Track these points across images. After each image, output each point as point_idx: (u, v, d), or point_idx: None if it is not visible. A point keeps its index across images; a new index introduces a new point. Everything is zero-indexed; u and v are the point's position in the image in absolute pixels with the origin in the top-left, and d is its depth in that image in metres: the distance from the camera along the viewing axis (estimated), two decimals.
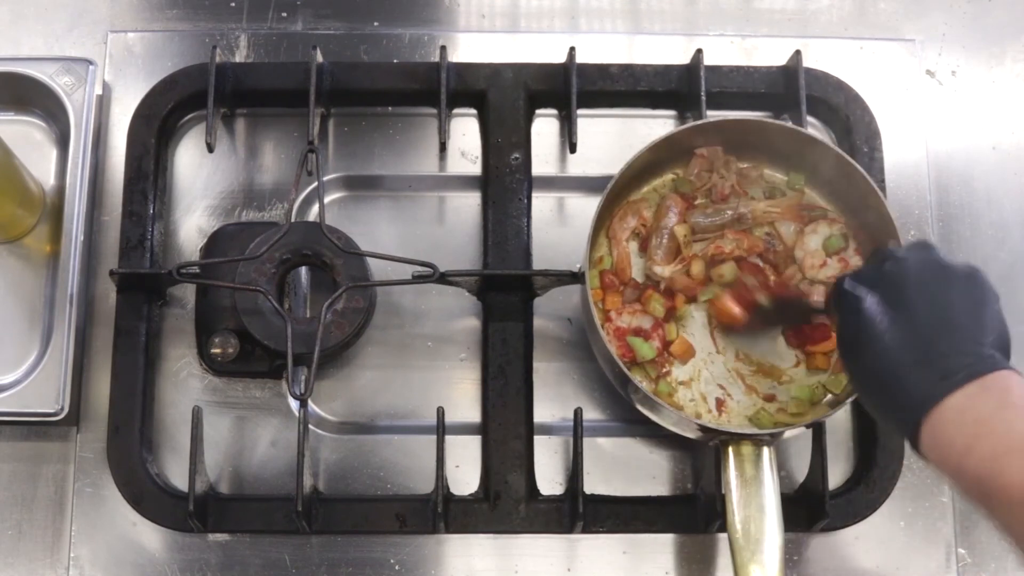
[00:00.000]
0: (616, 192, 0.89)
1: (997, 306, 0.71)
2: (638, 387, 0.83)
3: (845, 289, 0.74)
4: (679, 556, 0.92)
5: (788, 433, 0.85)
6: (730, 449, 0.83)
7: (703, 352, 0.90)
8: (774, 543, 0.81)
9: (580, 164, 1.00)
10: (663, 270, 0.90)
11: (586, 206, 0.99)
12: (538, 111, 1.01)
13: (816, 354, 0.89)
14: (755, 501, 0.82)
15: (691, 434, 0.87)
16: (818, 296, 0.88)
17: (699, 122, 0.90)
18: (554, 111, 1.02)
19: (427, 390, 0.95)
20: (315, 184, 0.95)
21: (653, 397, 0.84)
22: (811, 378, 0.89)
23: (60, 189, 0.96)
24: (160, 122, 0.98)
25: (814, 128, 1.01)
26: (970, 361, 0.67)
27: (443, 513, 0.88)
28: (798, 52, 0.99)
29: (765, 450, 0.83)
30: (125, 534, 0.91)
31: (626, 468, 0.93)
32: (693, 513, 0.90)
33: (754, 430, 0.86)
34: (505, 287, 0.95)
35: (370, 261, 0.92)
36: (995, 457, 0.63)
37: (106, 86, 1.01)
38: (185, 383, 0.95)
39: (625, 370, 0.83)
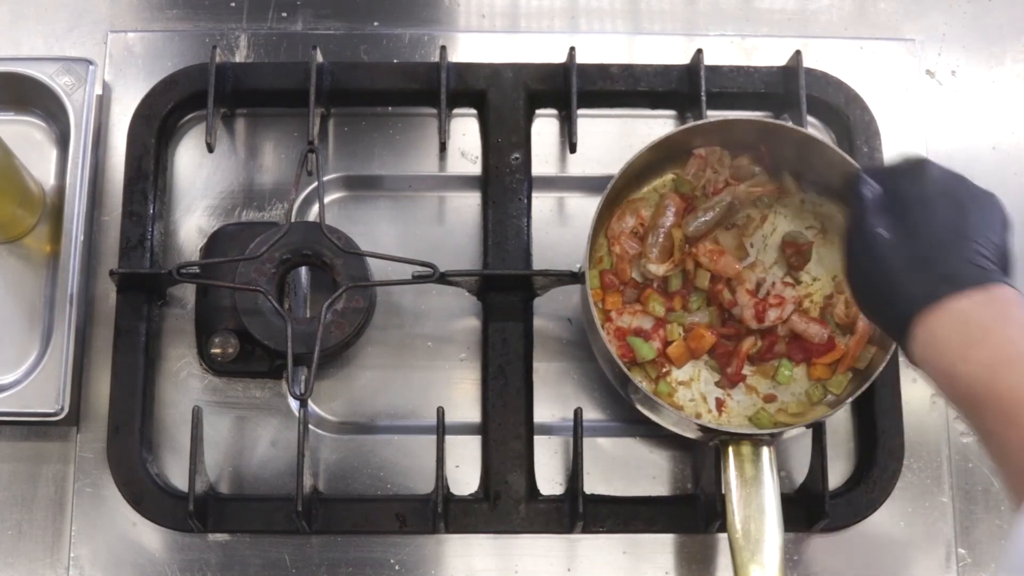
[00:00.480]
0: (616, 192, 0.89)
1: (1009, 231, 0.70)
2: (638, 387, 0.83)
3: (860, 176, 0.73)
4: (679, 556, 0.92)
5: (788, 433, 0.85)
6: (730, 449, 0.83)
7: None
8: (774, 543, 0.81)
9: (580, 164, 1.00)
10: (657, 268, 0.90)
11: (586, 206, 0.99)
12: (538, 111, 1.01)
13: (819, 365, 0.89)
14: (755, 501, 0.82)
15: (691, 434, 0.87)
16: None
17: (698, 122, 0.90)
18: (554, 111, 1.02)
19: (427, 390, 0.95)
20: (315, 184, 0.95)
21: (653, 397, 0.84)
22: (811, 379, 0.89)
23: (60, 189, 0.96)
24: (160, 122, 0.98)
25: (814, 128, 1.01)
26: (973, 270, 0.66)
27: (443, 513, 0.88)
28: (798, 52, 0.99)
29: (765, 450, 0.83)
30: (125, 534, 0.91)
31: (626, 468, 0.93)
32: (693, 513, 0.90)
33: (754, 430, 0.86)
34: (505, 287, 0.95)
35: (370, 261, 0.92)
36: (992, 365, 0.62)
37: (106, 86, 1.01)
38: (185, 383, 0.95)
39: (625, 370, 0.83)
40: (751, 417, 0.88)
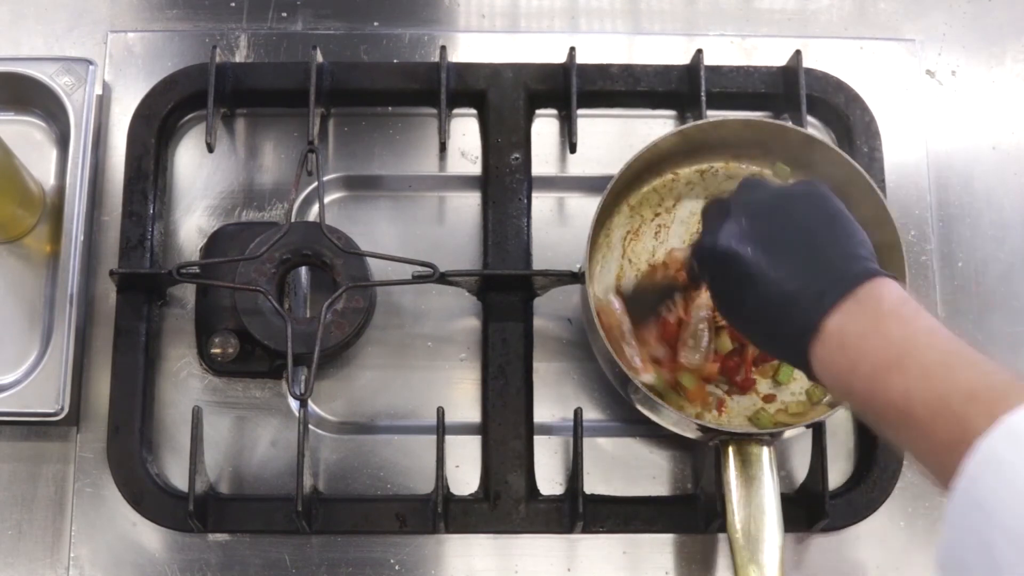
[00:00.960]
0: (615, 194, 0.89)
1: (847, 214, 0.69)
2: (638, 387, 0.83)
3: (701, 253, 0.72)
4: (679, 556, 0.92)
5: (788, 433, 0.85)
6: (730, 449, 0.83)
7: None
8: (774, 543, 0.81)
9: (580, 164, 1.00)
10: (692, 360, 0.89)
11: (586, 206, 0.99)
12: (538, 111, 1.01)
13: None
14: (755, 501, 0.82)
15: (691, 434, 0.87)
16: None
17: (697, 123, 0.90)
18: (554, 111, 1.02)
19: (427, 390, 0.95)
20: (315, 184, 0.95)
21: (653, 398, 0.84)
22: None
23: (60, 189, 0.96)
24: (160, 122, 0.98)
25: (814, 128, 1.01)
26: (837, 277, 0.65)
27: (443, 513, 0.88)
28: (798, 52, 0.99)
29: (765, 450, 0.83)
30: (125, 534, 0.91)
31: (626, 468, 0.93)
32: (693, 513, 0.90)
33: (754, 430, 0.86)
34: (505, 287, 0.95)
35: (370, 261, 0.92)
36: (874, 376, 0.62)
37: (106, 86, 1.01)
38: (185, 383, 0.95)
39: (625, 370, 0.83)
40: (751, 417, 0.88)
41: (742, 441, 0.83)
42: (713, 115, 0.95)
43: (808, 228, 0.69)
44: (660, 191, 0.94)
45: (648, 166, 0.91)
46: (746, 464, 0.82)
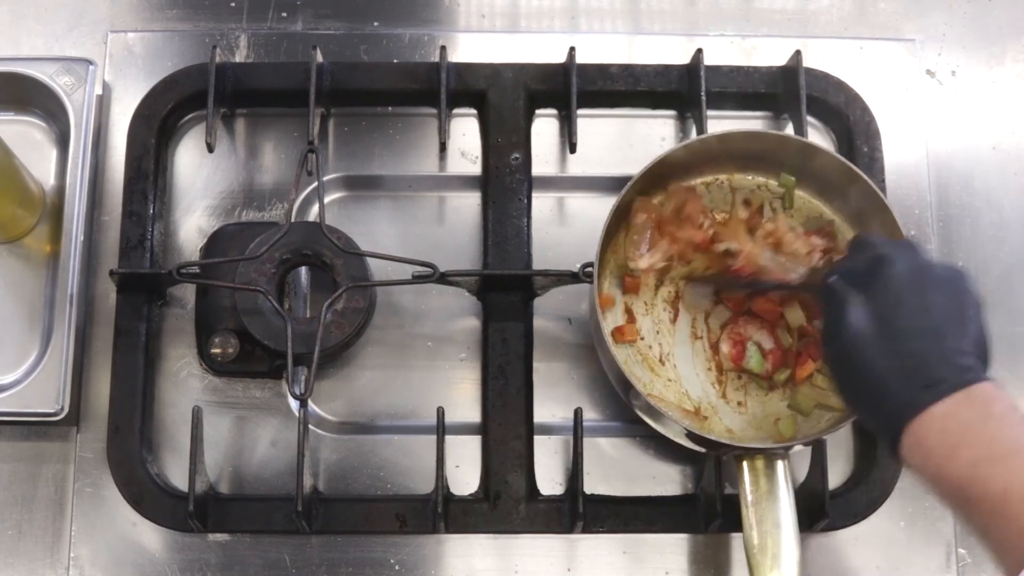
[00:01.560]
0: (626, 205, 0.88)
1: (980, 313, 0.72)
2: (639, 394, 0.82)
3: (833, 287, 0.73)
4: (679, 556, 0.92)
5: (798, 448, 0.84)
6: (744, 464, 0.83)
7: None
8: (792, 557, 0.81)
9: (580, 164, 1.00)
10: (638, 263, 0.89)
11: (586, 206, 1.00)
12: (538, 111, 1.01)
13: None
14: (771, 516, 0.81)
15: (699, 447, 0.87)
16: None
17: (702, 136, 0.90)
18: (554, 111, 1.02)
19: (427, 390, 0.95)
20: (315, 184, 0.95)
21: (656, 406, 0.83)
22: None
23: (60, 189, 0.96)
24: (160, 122, 0.98)
25: (814, 128, 1.01)
26: (954, 371, 0.67)
27: (443, 513, 0.88)
28: (798, 52, 0.99)
29: (779, 463, 0.82)
30: (125, 534, 0.91)
31: (626, 468, 0.93)
32: (693, 513, 0.90)
33: (766, 444, 0.85)
34: (505, 287, 0.95)
35: (370, 261, 0.92)
36: (976, 464, 0.64)
37: (106, 86, 1.01)
38: (185, 383, 0.95)
39: (629, 378, 0.82)
40: (791, 401, 0.88)
41: (756, 456, 0.83)
42: (714, 117, 0.94)
43: (940, 314, 0.70)
44: (666, 204, 0.92)
45: (653, 181, 0.90)
46: (762, 478, 0.82)
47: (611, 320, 0.89)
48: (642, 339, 0.89)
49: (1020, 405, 0.67)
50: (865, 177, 0.86)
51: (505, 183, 0.97)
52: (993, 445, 0.64)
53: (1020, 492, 0.62)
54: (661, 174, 0.89)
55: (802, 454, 0.92)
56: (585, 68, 0.99)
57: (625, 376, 0.83)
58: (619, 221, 0.89)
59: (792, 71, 0.99)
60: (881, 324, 0.70)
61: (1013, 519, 0.62)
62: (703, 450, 0.87)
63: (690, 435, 0.84)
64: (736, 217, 0.90)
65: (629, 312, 0.90)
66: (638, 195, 0.89)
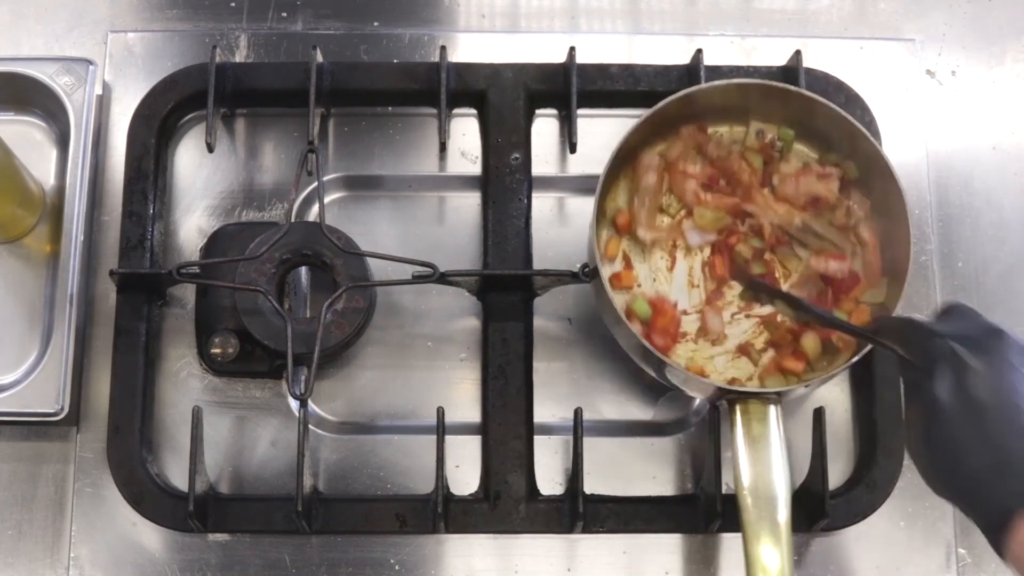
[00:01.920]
0: (613, 175, 0.88)
1: None
2: (648, 349, 0.82)
3: (946, 348, 0.66)
4: (679, 556, 0.92)
5: (796, 393, 0.85)
6: (737, 408, 0.83)
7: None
8: (783, 500, 0.81)
9: (580, 164, 1.00)
10: (647, 234, 0.90)
11: (586, 206, 0.99)
12: (538, 111, 1.01)
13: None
14: (763, 459, 0.82)
15: (698, 393, 0.88)
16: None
17: (701, 87, 0.90)
18: (554, 111, 1.02)
19: (427, 390, 0.95)
20: (315, 184, 0.95)
21: (661, 356, 0.83)
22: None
23: (60, 189, 0.96)
24: (160, 122, 0.98)
25: None
26: None
27: (443, 513, 0.88)
28: (798, 52, 0.99)
29: (772, 408, 0.83)
30: (125, 534, 0.91)
31: (626, 468, 0.93)
32: (693, 513, 0.90)
33: (761, 388, 0.85)
34: (505, 287, 0.95)
35: (370, 261, 0.92)
36: None
37: (106, 86, 1.01)
38: (185, 383, 0.95)
39: (639, 336, 0.83)
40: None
41: (749, 400, 0.83)
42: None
43: None
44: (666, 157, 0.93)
45: (653, 131, 0.90)
46: (753, 422, 0.83)
47: (608, 268, 0.90)
48: (639, 286, 0.90)
49: None
50: (869, 136, 0.87)
51: (505, 183, 0.97)
52: None
53: None
54: (660, 126, 0.90)
55: (802, 454, 0.91)
56: (585, 68, 0.99)
57: (646, 346, 0.83)
58: (619, 167, 0.90)
59: (792, 71, 0.99)
60: (1003, 398, 0.63)
61: None
62: (698, 395, 0.87)
63: (690, 380, 0.85)
64: (753, 171, 0.91)
65: (627, 259, 0.91)
66: (644, 145, 0.90)
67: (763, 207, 0.91)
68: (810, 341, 0.87)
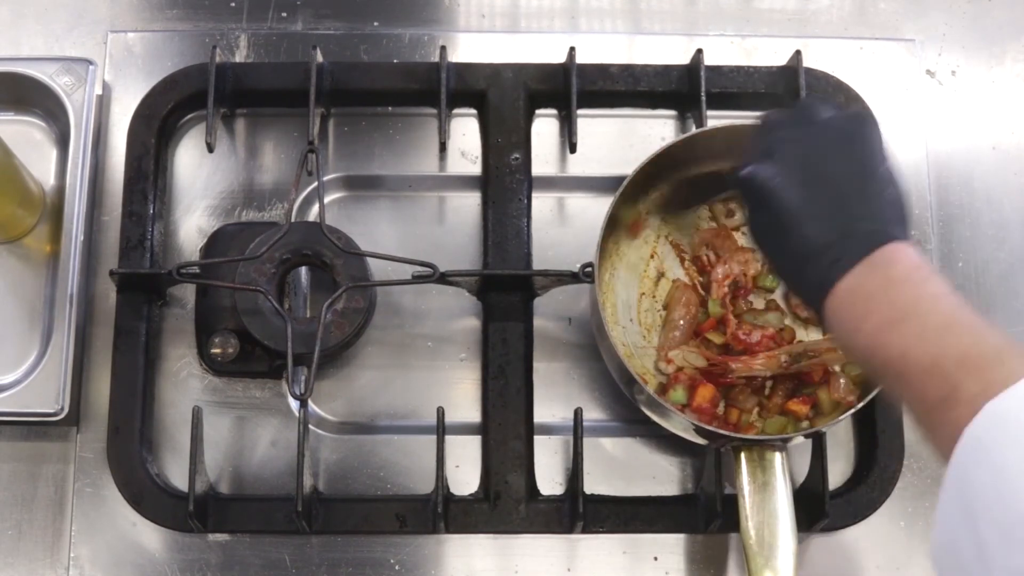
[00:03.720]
0: (627, 195, 0.88)
1: (885, 168, 0.72)
2: (643, 389, 0.83)
3: (740, 178, 0.73)
4: (679, 556, 0.92)
5: (797, 440, 0.85)
6: (742, 455, 0.83)
7: None
8: (788, 548, 0.81)
9: (580, 164, 1.00)
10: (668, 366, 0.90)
11: (586, 206, 1.00)
12: (538, 111, 1.01)
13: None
14: (768, 507, 0.81)
15: (700, 439, 0.87)
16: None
17: (710, 127, 0.89)
18: (554, 111, 1.02)
19: (427, 390, 0.95)
20: (315, 184, 0.95)
21: (659, 400, 0.83)
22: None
23: (60, 189, 0.96)
24: (160, 122, 0.98)
25: None
26: (856, 240, 0.67)
27: (443, 513, 0.88)
28: (798, 52, 0.99)
29: (777, 455, 0.83)
30: (125, 534, 0.91)
31: (626, 468, 0.93)
32: (693, 513, 0.90)
33: (765, 436, 0.85)
34: (505, 287, 0.95)
35: (370, 261, 0.92)
36: (877, 332, 0.64)
37: (106, 86, 1.01)
38: (185, 383, 0.95)
39: (631, 372, 0.83)
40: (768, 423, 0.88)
41: (754, 447, 0.83)
42: (714, 117, 0.94)
43: (840, 180, 0.71)
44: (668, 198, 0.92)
45: (656, 172, 0.90)
46: (759, 470, 0.82)
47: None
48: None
49: (925, 261, 0.67)
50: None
51: (505, 183, 0.97)
52: (892, 311, 0.64)
53: (916, 356, 0.62)
54: (662, 167, 0.89)
55: (802, 454, 0.91)
56: (585, 68, 0.99)
57: (628, 371, 0.83)
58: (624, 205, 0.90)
59: (792, 71, 0.99)
60: (786, 207, 0.70)
61: (913, 384, 0.62)
62: (703, 442, 0.87)
63: (691, 428, 0.84)
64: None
65: None
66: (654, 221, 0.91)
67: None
68: (824, 394, 0.87)
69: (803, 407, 0.87)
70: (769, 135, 0.75)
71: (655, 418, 0.87)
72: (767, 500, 0.82)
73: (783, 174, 0.71)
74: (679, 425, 0.85)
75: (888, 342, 0.64)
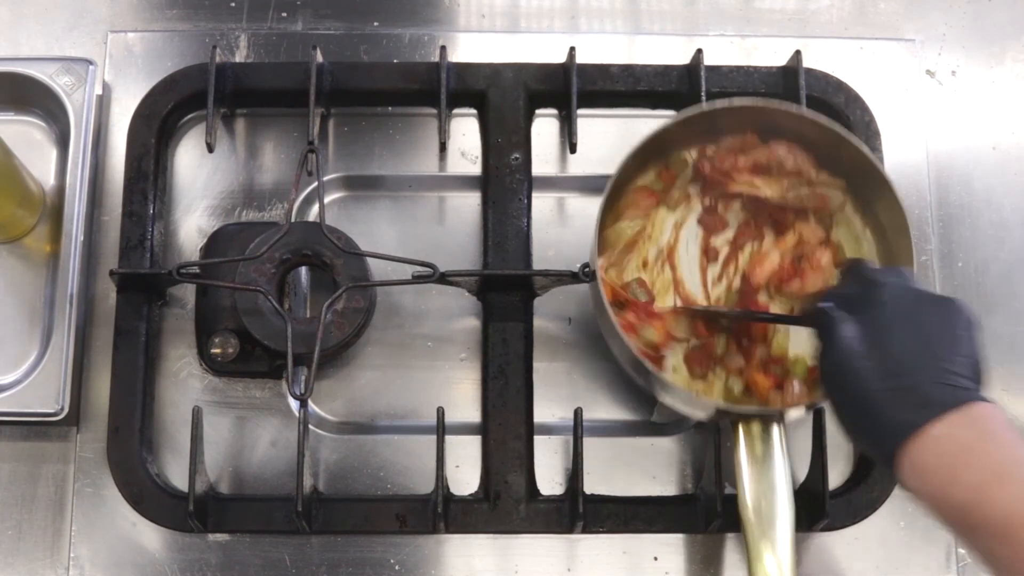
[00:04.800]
0: (618, 188, 0.88)
1: (974, 334, 0.71)
2: (648, 370, 0.82)
3: (826, 312, 0.73)
4: (679, 556, 0.92)
5: (797, 413, 0.85)
6: (740, 428, 0.83)
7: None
8: (785, 520, 0.81)
9: (580, 164, 1.00)
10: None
11: (586, 206, 1.00)
12: (538, 111, 1.01)
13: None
14: (766, 479, 0.81)
15: (702, 414, 0.87)
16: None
17: (691, 112, 0.88)
18: (554, 111, 1.02)
19: (427, 390, 0.95)
20: (315, 184, 0.95)
21: (666, 379, 0.83)
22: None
23: (60, 189, 0.96)
24: (160, 122, 0.98)
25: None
26: (949, 392, 0.67)
27: (443, 513, 0.88)
28: (798, 52, 0.99)
29: (775, 428, 0.83)
30: (125, 534, 0.91)
31: (626, 468, 0.93)
32: (693, 513, 0.90)
33: (764, 409, 0.85)
34: (505, 287, 0.95)
35: (370, 261, 0.92)
36: (979, 487, 0.63)
37: (106, 86, 1.01)
38: (185, 383, 0.95)
39: (635, 353, 0.82)
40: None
41: (752, 420, 0.83)
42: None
43: (932, 336, 0.70)
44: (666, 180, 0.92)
45: (645, 159, 0.90)
46: (756, 443, 0.82)
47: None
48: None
49: (1020, 417, 0.66)
50: (872, 157, 0.86)
51: (505, 183, 0.97)
52: (993, 467, 0.64)
53: (1023, 517, 0.61)
54: (658, 150, 0.90)
55: (802, 454, 0.91)
56: (585, 68, 0.99)
57: (635, 357, 0.82)
58: (621, 192, 0.89)
59: (792, 71, 0.99)
60: (873, 347, 0.69)
61: (1018, 545, 0.61)
62: (704, 417, 0.87)
63: (693, 402, 0.85)
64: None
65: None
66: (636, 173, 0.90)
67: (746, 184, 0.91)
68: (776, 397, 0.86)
69: (767, 380, 0.86)
70: (865, 279, 0.74)
71: (660, 396, 0.87)
72: (764, 473, 0.82)
73: (874, 312, 0.71)
74: (682, 399, 0.85)
75: (990, 499, 0.62)
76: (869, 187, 0.88)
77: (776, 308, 0.89)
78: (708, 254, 0.91)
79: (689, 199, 0.91)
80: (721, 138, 0.91)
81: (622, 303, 0.88)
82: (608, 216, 0.89)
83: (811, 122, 0.88)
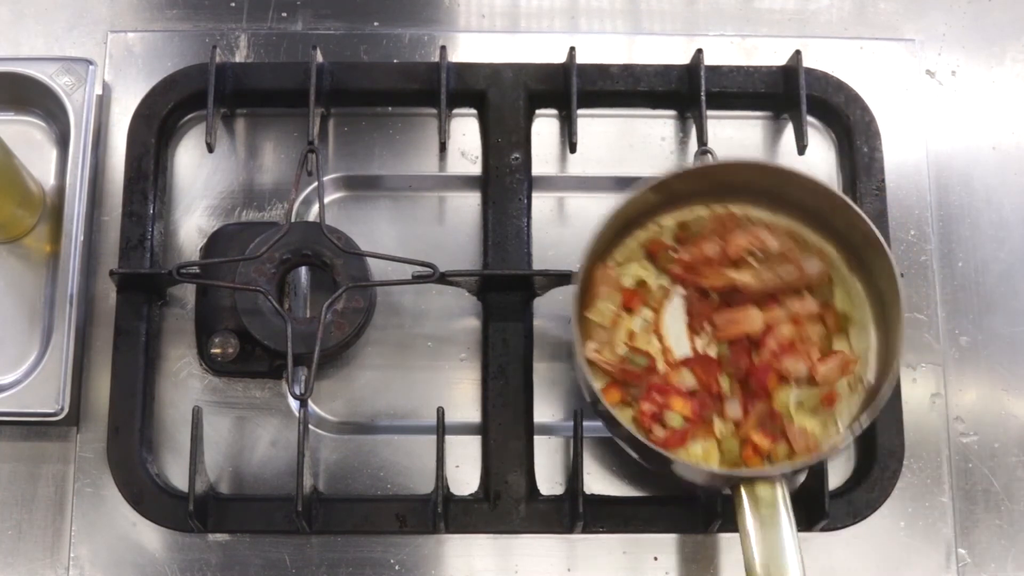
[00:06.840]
0: (606, 241, 0.86)
1: None
2: (619, 423, 0.80)
3: None
4: (679, 556, 0.92)
5: (801, 472, 0.83)
6: (743, 491, 0.80)
7: None
8: None
9: (580, 164, 1.00)
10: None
11: (586, 206, 1.00)
12: (538, 111, 1.01)
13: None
14: (772, 540, 0.79)
15: (700, 480, 0.86)
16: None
17: (691, 168, 0.87)
18: (554, 111, 1.02)
19: (427, 390, 0.95)
20: (315, 184, 0.95)
21: (659, 450, 0.80)
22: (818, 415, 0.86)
23: (60, 189, 0.96)
24: (160, 122, 0.98)
25: (814, 128, 1.01)
26: None
27: (443, 513, 0.88)
28: (798, 52, 0.99)
29: (778, 488, 0.81)
30: (125, 534, 0.91)
31: (626, 468, 0.93)
32: (693, 513, 0.90)
33: (763, 472, 0.83)
34: (505, 287, 0.95)
35: (370, 261, 0.93)
36: None
37: (106, 86, 1.01)
38: (185, 383, 0.95)
39: (604, 404, 0.81)
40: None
41: (756, 482, 0.81)
42: (714, 117, 0.94)
43: None
44: (646, 245, 0.90)
45: (632, 219, 0.88)
46: (760, 505, 0.80)
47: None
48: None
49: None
50: (865, 217, 0.84)
51: (505, 183, 0.97)
52: None
53: None
54: (636, 215, 0.88)
55: None
56: (585, 68, 0.99)
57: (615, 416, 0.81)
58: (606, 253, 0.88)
59: (792, 71, 0.99)
60: None
61: None
62: (703, 483, 0.86)
63: (692, 470, 0.83)
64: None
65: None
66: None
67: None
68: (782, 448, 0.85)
69: (766, 440, 0.84)
70: None
71: (646, 464, 0.85)
72: (772, 536, 0.79)
73: None
74: (679, 468, 0.83)
75: None
76: (868, 251, 0.85)
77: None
78: (694, 327, 0.88)
79: (667, 291, 0.89)
80: (694, 204, 0.89)
81: (626, 381, 0.86)
82: (586, 298, 0.87)
83: (799, 181, 0.86)
